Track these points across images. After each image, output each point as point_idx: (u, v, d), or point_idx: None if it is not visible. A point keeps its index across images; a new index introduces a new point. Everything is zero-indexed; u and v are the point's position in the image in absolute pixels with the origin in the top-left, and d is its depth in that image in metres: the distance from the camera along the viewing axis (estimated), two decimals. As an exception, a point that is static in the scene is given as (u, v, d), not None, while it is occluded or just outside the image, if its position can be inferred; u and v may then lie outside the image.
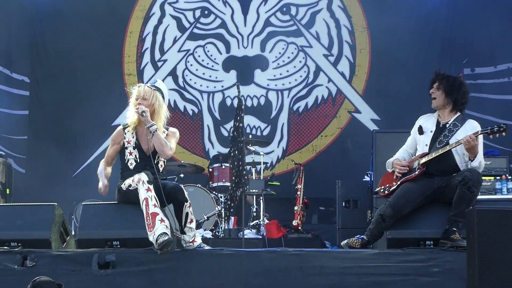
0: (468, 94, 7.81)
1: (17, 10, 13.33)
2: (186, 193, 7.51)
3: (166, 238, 7.04)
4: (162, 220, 7.15)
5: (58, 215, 7.75)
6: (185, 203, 7.47)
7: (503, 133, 7.44)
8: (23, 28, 13.44)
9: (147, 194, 7.21)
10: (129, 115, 7.70)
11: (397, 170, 7.76)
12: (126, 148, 7.65)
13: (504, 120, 11.75)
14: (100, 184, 7.64)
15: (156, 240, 7.07)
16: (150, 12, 13.64)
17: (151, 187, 7.25)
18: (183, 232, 7.53)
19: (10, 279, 6.81)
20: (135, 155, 7.61)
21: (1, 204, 10.50)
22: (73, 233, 8.39)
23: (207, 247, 7.66)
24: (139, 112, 7.49)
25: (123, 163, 7.69)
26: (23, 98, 13.55)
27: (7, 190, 11.26)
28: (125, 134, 7.65)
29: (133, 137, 7.63)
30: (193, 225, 7.54)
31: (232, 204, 8.90)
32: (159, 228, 7.09)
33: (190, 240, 7.53)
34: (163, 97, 7.68)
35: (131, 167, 7.59)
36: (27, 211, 7.79)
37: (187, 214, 7.47)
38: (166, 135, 7.63)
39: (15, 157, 13.12)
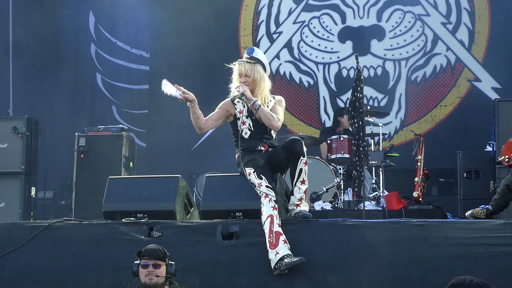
0: None
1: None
2: (304, 148, 7.41)
3: (297, 260, 6.88)
4: (285, 242, 7.01)
5: (182, 187, 7.87)
6: (301, 157, 7.33)
7: None
8: (142, 6, 13.68)
9: (272, 212, 7.12)
10: (233, 91, 7.72)
11: None
12: (239, 118, 7.68)
13: None
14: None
15: (282, 259, 6.91)
16: (266, -16, 13.71)
17: (277, 207, 7.20)
18: (292, 193, 7.46)
19: (138, 249, 6.94)
20: (249, 124, 7.63)
21: (127, 176, 10.71)
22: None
23: (311, 219, 7.51)
24: (239, 93, 7.54)
25: (237, 134, 7.69)
26: (143, 73, 13.82)
27: (131, 163, 11.52)
28: (235, 105, 7.69)
29: (244, 107, 7.65)
30: (303, 187, 7.40)
31: (358, 175, 8.68)
32: (283, 249, 6.96)
33: (296, 203, 7.44)
34: (263, 66, 7.68)
35: (246, 136, 7.63)
36: (153, 183, 7.94)
37: (300, 170, 7.35)
38: (274, 104, 7.65)
39: (136, 132, 13.43)
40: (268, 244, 7.03)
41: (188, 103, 7.55)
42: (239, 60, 7.70)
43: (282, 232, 7.04)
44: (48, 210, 12.53)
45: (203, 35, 13.57)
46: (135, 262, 6.54)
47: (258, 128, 7.62)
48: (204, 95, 13.25)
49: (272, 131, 7.71)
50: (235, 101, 7.70)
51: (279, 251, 6.96)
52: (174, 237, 7.42)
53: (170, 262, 6.54)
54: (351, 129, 8.99)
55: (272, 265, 6.98)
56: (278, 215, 7.14)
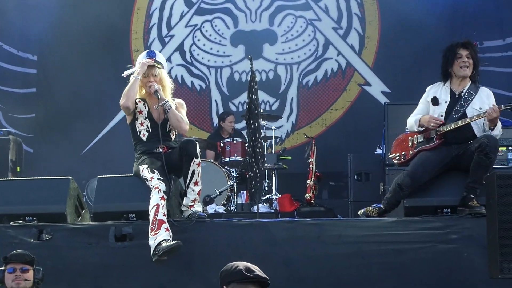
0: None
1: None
2: (198, 150, 7.37)
3: (174, 243, 6.81)
4: (167, 229, 6.93)
5: (73, 189, 7.73)
6: (194, 159, 7.30)
7: None
8: (30, 5, 13.37)
9: (159, 202, 7.04)
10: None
11: (432, 125, 7.62)
12: (137, 119, 7.58)
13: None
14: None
15: (159, 244, 6.83)
16: (158, -13, 13.61)
17: (166, 198, 7.11)
18: (185, 195, 7.42)
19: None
20: (147, 125, 7.54)
21: (15, 178, 10.42)
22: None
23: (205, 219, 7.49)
24: (153, 90, 7.46)
25: (136, 136, 7.61)
26: (30, 76, 13.51)
27: (18, 168, 11.21)
28: (137, 104, 7.59)
29: (145, 108, 7.57)
30: (197, 189, 7.36)
31: (253, 175, 8.66)
32: (163, 234, 6.88)
33: (189, 204, 7.38)
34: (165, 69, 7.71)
35: (144, 138, 7.54)
36: (42, 185, 7.77)
37: (193, 172, 7.31)
38: (176, 106, 7.60)
39: (23, 136, 13.08)
40: (149, 231, 6.93)
41: (137, 75, 7.49)
42: (145, 60, 7.59)
43: (166, 221, 6.96)
44: None
45: (93, 38, 13.33)
46: (0, 268, 6.24)
47: (156, 129, 7.52)
48: (96, 97, 13.21)
49: (171, 133, 7.63)
50: (137, 100, 7.59)
51: (159, 236, 6.87)
52: (65, 240, 7.28)
53: (37, 267, 6.29)
54: (247, 133, 8.96)
55: (151, 251, 6.87)
56: (165, 206, 7.04)
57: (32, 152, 13.19)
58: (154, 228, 6.91)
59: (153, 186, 7.16)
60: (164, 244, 6.82)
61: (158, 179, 7.20)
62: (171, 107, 7.44)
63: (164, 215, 6.99)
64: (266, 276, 4.03)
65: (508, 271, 6.08)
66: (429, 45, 12.03)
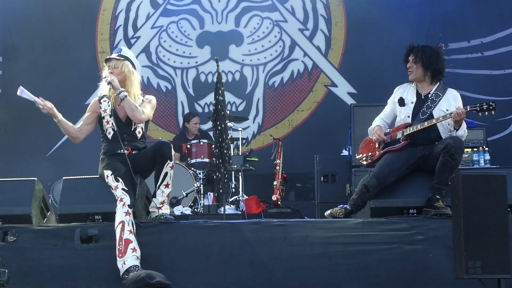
0: (445, 63, 7.82)
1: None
2: (173, 153, 7.39)
3: (139, 275, 6.77)
4: (134, 250, 6.89)
5: (38, 190, 7.67)
6: (168, 161, 7.32)
7: (492, 112, 7.43)
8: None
9: (124, 218, 6.99)
10: (102, 86, 7.59)
11: (374, 138, 7.73)
12: (103, 118, 7.55)
13: (478, 95, 11.88)
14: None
15: (127, 271, 6.79)
16: (124, -12, 13.55)
17: (131, 211, 7.07)
18: (154, 196, 7.43)
19: (-9, 255, 6.68)
20: (112, 123, 7.49)
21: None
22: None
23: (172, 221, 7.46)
24: (107, 81, 7.43)
25: (103, 134, 7.59)
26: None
27: (-18, 169, 11.11)
28: (101, 104, 7.57)
29: (108, 106, 7.53)
30: (167, 191, 7.38)
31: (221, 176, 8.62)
32: (130, 259, 6.84)
33: (157, 206, 7.39)
34: (133, 64, 7.61)
35: (109, 136, 7.50)
36: (7, 186, 7.70)
37: (166, 174, 7.33)
38: (142, 101, 7.57)
39: (-14, 136, 13.00)
40: (117, 252, 6.91)
41: (54, 119, 7.42)
42: (107, 57, 7.63)
43: (132, 240, 6.93)
44: None
45: (58, 39, 13.26)
46: None
47: (121, 128, 7.48)
48: (60, 98, 13.08)
49: (138, 131, 7.58)
50: (101, 100, 7.56)
51: (126, 260, 6.85)
52: (30, 242, 7.21)
53: (2, 269, 6.22)
54: (212, 133, 8.94)
55: (120, 274, 6.86)
56: (131, 221, 7.01)
57: (-3, 153, 13.08)
58: (122, 250, 6.88)
59: (118, 198, 7.14)
60: (132, 275, 6.72)
61: (123, 189, 7.16)
62: (126, 96, 7.37)
63: (131, 232, 6.95)
64: (169, 283, 4.32)
65: (473, 271, 6.14)
66: (395, 47, 12.06)
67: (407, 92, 7.78)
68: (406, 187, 7.55)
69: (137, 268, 6.78)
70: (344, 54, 13.21)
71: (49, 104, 7.42)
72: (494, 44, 12.80)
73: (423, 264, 7.02)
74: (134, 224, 7.03)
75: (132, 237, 6.94)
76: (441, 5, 12.89)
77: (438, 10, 12.92)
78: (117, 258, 6.89)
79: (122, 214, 7.01)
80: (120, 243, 6.91)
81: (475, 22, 12.93)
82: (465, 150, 10.03)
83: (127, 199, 7.09)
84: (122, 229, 6.94)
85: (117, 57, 7.56)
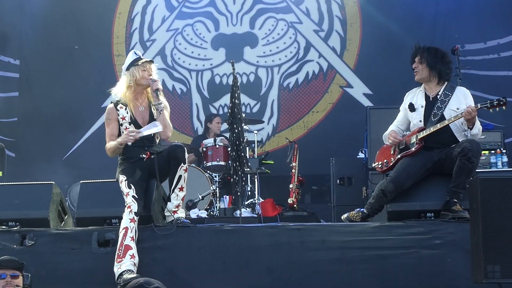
0: (452, 63, 7.81)
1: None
2: (186, 156, 7.39)
3: (132, 276, 6.72)
4: (132, 256, 6.90)
5: (56, 194, 7.70)
6: (182, 164, 7.32)
7: (503, 107, 7.40)
8: (12, 10, 13.30)
9: (129, 224, 7.00)
10: (118, 91, 7.60)
11: (389, 141, 7.72)
12: (121, 124, 7.53)
13: (495, 96, 11.79)
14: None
15: (121, 274, 6.80)
16: (139, -8, 13.58)
17: (137, 219, 7.07)
18: (169, 200, 7.43)
19: (10, 259, 6.68)
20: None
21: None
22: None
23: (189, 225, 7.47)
24: (154, 89, 7.42)
25: None
26: (11, 80, 13.43)
27: (0, 172, 11.12)
28: (118, 110, 7.55)
29: (127, 113, 7.53)
30: (181, 194, 7.39)
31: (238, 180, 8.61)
32: (127, 263, 6.85)
33: (172, 210, 7.39)
34: None
35: (129, 142, 7.46)
36: (25, 190, 7.74)
37: (180, 177, 7.33)
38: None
39: (4, 141, 13.00)
40: (115, 256, 6.92)
41: (121, 144, 7.42)
42: (148, 59, 7.60)
43: (132, 247, 6.94)
44: None
45: (75, 43, 13.31)
46: None
47: None
48: (77, 101, 13.15)
49: (156, 136, 7.60)
50: (118, 107, 7.54)
51: (123, 265, 6.86)
52: (47, 245, 7.25)
53: (25, 273, 6.26)
54: (229, 136, 8.92)
55: (115, 278, 6.86)
56: (135, 228, 7.01)
57: (14, 157, 13.11)
58: (120, 255, 6.90)
59: (126, 204, 7.15)
60: (125, 276, 6.77)
61: (133, 196, 7.17)
62: (163, 109, 7.41)
63: (132, 239, 6.96)
64: None
65: (492, 275, 6.09)
66: (410, 48, 12.01)
67: (416, 96, 7.77)
68: (423, 190, 7.52)
69: (131, 272, 6.78)
70: (359, 55, 13.16)
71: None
72: (510, 45, 12.73)
73: (441, 268, 6.98)
74: (137, 232, 7.04)
75: (133, 244, 6.96)
76: (457, 6, 12.83)
77: (454, 11, 12.87)
78: (115, 262, 6.90)
79: (127, 221, 7.03)
80: (120, 248, 6.93)
81: (491, 23, 12.86)
82: (482, 152, 9.97)
83: (134, 207, 7.10)
84: (125, 235, 6.96)
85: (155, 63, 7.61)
